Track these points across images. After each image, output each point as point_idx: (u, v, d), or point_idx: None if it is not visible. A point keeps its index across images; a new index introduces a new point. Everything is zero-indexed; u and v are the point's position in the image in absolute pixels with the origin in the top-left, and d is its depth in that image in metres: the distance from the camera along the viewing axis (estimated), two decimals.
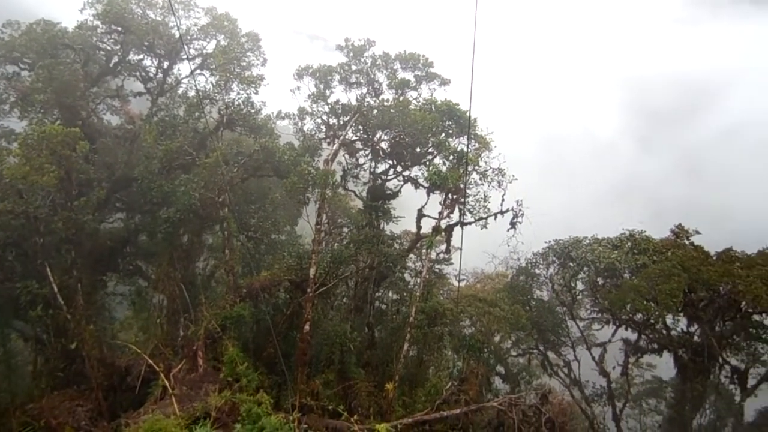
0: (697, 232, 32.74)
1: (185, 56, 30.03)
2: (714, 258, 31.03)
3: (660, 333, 31.74)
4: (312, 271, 25.53)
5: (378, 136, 30.71)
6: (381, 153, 30.81)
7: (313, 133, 30.05)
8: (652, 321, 30.68)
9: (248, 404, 19.09)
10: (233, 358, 21.10)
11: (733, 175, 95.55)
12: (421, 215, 29.94)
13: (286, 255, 28.04)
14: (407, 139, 29.69)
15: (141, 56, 30.09)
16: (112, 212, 29.72)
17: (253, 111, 28.01)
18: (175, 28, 29.47)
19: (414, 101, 30.31)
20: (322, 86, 30.14)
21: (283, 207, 30.92)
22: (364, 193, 31.07)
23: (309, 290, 25.33)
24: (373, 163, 31.20)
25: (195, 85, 29.02)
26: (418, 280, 28.59)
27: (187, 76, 30.49)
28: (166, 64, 30.22)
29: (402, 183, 31.10)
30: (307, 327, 24.63)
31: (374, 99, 30.35)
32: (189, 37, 29.86)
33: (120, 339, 26.58)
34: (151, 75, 30.32)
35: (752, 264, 29.87)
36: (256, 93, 28.35)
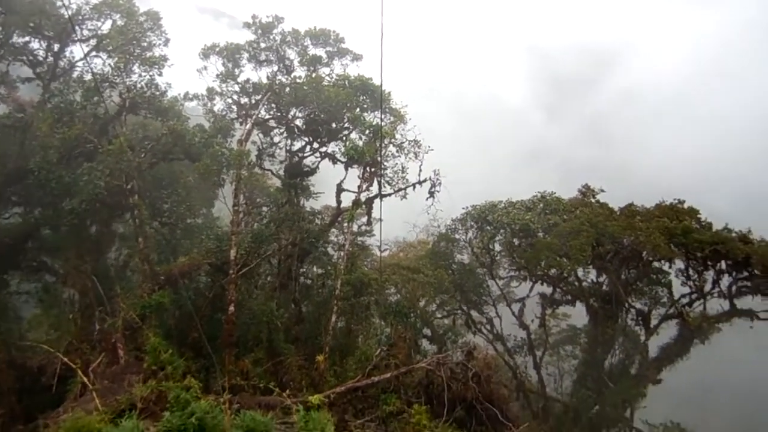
0: (602, 191, 34.99)
1: (77, 38, 28.29)
2: (618, 213, 33.28)
3: (572, 285, 33.85)
4: (233, 253, 25.21)
5: (292, 113, 30.42)
6: (296, 130, 30.57)
7: (224, 113, 29.33)
8: (565, 275, 32.59)
9: (176, 391, 18.64)
10: (156, 346, 20.55)
11: (634, 135, 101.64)
12: (340, 190, 30.10)
13: (204, 238, 27.48)
14: (322, 116, 29.61)
15: (27, 39, 28.07)
16: (8, 207, 27.88)
17: (157, 93, 26.93)
18: (64, 7, 27.64)
19: (327, 77, 30.18)
20: (230, 65, 29.39)
21: (198, 190, 30.12)
22: (281, 172, 30.83)
23: (231, 272, 25.03)
24: (288, 141, 30.94)
25: (91, 69, 27.40)
26: (342, 253, 28.91)
27: (81, 59, 28.78)
28: (56, 47, 28.35)
29: (319, 159, 31.08)
30: (231, 308, 24.40)
31: (286, 76, 29.95)
32: (80, 17, 27.99)
33: (29, 339, 25.18)
34: (41, 59, 28.35)
35: (651, 217, 32.33)
36: (160, 74, 27.25)
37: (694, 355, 32.16)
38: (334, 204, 31.07)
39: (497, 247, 33.21)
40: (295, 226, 28.48)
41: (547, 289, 34.15)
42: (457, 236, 33.25)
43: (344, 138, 29.64)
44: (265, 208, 31.66)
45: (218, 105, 29.37)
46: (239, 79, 29.23)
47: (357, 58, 30.70)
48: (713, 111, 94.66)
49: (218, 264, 26.12)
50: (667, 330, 32.46)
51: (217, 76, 29.02)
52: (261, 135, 30.55)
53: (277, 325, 25.53)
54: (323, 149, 30.52)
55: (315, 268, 31.33)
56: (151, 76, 26.77)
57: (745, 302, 31.33)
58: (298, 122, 30.47)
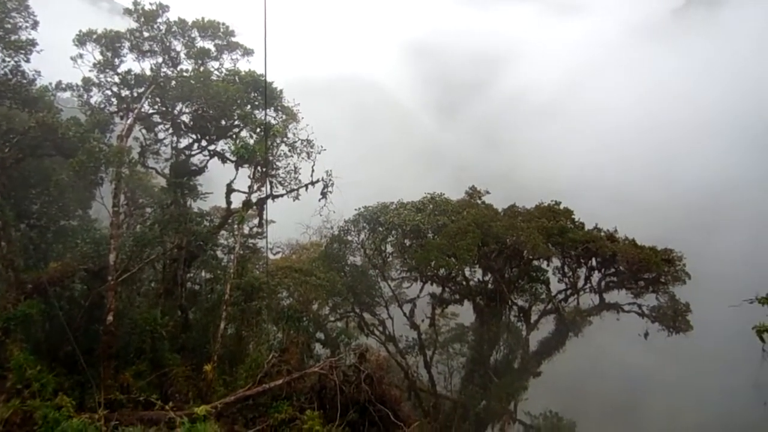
0: (487, 192, 36.64)
1: None
2: (502, 214, 35.01)
3: (460, 284, 35.17)
4: (112, 258, 23.45)
5: (178, 108, 28.88)
6: (183, 127, 29.09)
7: (103, 106, 27.23)
8: (453, 274, 33.75)
9: (44, 410, 17.14)
10: (21, 362, 18.70)
11: (519, 137, 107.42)
12: (230, 190, 29.08)
13: (79, 242, 25.27)
14: (211, 112, 28.37)
15: None
16: None
17: (24, 81, 24.39)
18: None
19: (216, 72, 29.01)
20: (109, 54, 27.28)
21: (73, 189, 27.64)
22: (167, 170, 29.19)
23: (110, 278, 23.27)
24: (174, 138, 29.33)
25: None
26: (232, 256, 27.96)
27: None
28: None
29: (208, 158, 29.82)
30: (110, 318, 22.69)
31: (172, 69, 28.37)
32: None
33: None
34: None
35: (531, 217, 34.29)
36: (27, 60, 24.63)
37: (569, 347, 34.65)
38: (223, 205, 29.99)
39: (389, 249, 33.69)
40: (182, 228, 27.08)
41: (437, 289, 35.22)
42: (349, 238, 33.33)
43: (234, 136, 28.68)
44: (148, 209, 29.89)
45: (96, 97, 27.17)
46: (120, 70, 27.23)
47: (248, 53, 29.78)
48: (587, 115, 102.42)
49: (95, 270, 24.19)
50: (545, 325, 34.72)
51: (95, 65, 26.88)
52: (144, 131, 28.71)
53: (162, 334, 24.11)
54: (212, 147, 29.32)
55: (203, 273, 30.06)
56: (16, 62, 24.19)
57: (612, 296, 34.26)
58: (185, 118, 29.02)
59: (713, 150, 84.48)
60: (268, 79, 29.96)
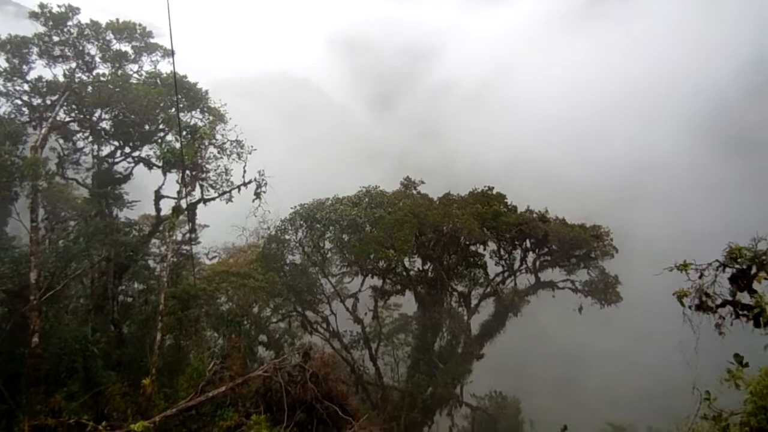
0: (422, 182, 36.98)
1: None
2: (437, 202, 35.47)
3: (401, 275, 35.43)
4: (33, 276, 22.20)
5: (97, 115, 27.78)
6: (103, 134, 28.01)
7: (13, 116, 25.85)
8: (393, 266, 33.91)
9: None
10: None
11: (451, 127, 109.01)
12: (159, 197, 28.25)
13: None
14: (132, 117, 27.46)
15: None
16: None
17: None
18: None
19: (135, 75, 28.07)
20: (16, 61, 25.91)
21: None
22: (89, 180, 27.99)
23: (32, 298, 22.08)
24: (95, 146, 28.22)
25: None
26: (165, 265, 27.09)
27: None
28: None
29: (133, 165, 28.89)
30: (35, 339, 21.48)
31: (87, 74, 27.23)
32: None
33: None
34: None
35: (466, 204, 34.82)
36: None
37: (510, 327, 35.60)
38: (152, 212, 29.06)
39: (327, 245, 33.53)
40: (109, 239, 26.03)
41: (378, 282, 35.37)
42: (287, 237, 32.93)
43: (159, 140, 27.80)
44: (72, 222, 28.41)
45: (4, 107, 25.83)
46: (29, 77, 25.93)
47: (169, 54, 28.90)
48: (514, 102, 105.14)
49: (16, 290, 22.86)
50: (485, 308, 35.47)
51: (1, 73, 25.46)
52: (61, 140, 27.46)
53: (94, 352, 23.07)
54: (136, 153, 28.40)
55: (135, 284, 28.99)
56: None
57: (547, 275, 35.41)
58: (105, 125, 27.96)
59: (633, 129, 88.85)
60: (192, 80, 29.47)
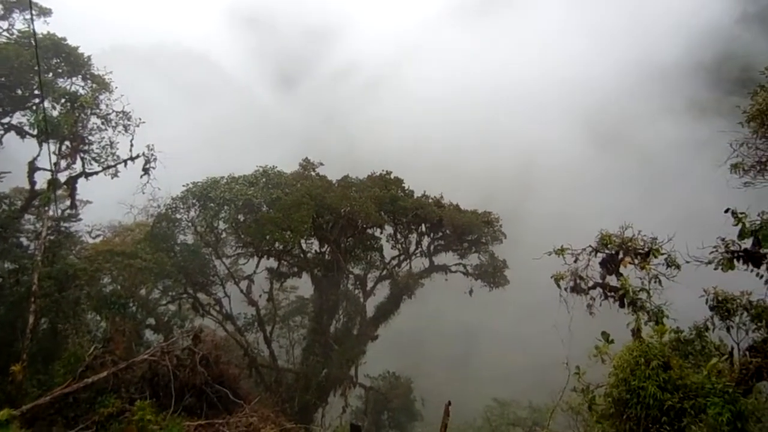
0: (321, 164, 36.78)
1: None
2: (336, 185, 35.44)
3: (298, 257, 35.20)
4: None
5: None
6: None
7: None
8: (289, 247, 33.54)
9: None
10: None
11: (353, 111, 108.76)
12: (33, 168, 26.12)
13: None
14: (2, 79, 25.04)
15: None
16: None
17: None
18: None
19: (6, 34, 25.60)
20: None
21: None
22: None
23: None
24: None
25: None
26: (39, 242, 25.07)
27: None
28: None
29: (2, 132, 26.44)
30: None
31: None
32: None
33: None
34: None
35: (364, 187, 35.08)
36: None
37: (404, 310, 36.49)
38: (26, 186, 26.79)
39: (222, 225, 32.47)
40: None
41: (274, 264, 34.89)
42: (178, 215, 31.45)
43: (33, 107, 25.61)
44: None
45: None
46: None
47: (45, 12, 26.63)
48: (415, 88, 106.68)
49: None
50: (381, 290, 36.13)
51: None
52: None
53: None
54: (6, 120, 25.97)
55: (5, 264, 26.56)
56: None
57: (441, 258, 36.63)
58: None
59: (526, 119, 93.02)
60: (73, 44, 27.30)
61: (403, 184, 35.92)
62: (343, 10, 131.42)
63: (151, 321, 30.71)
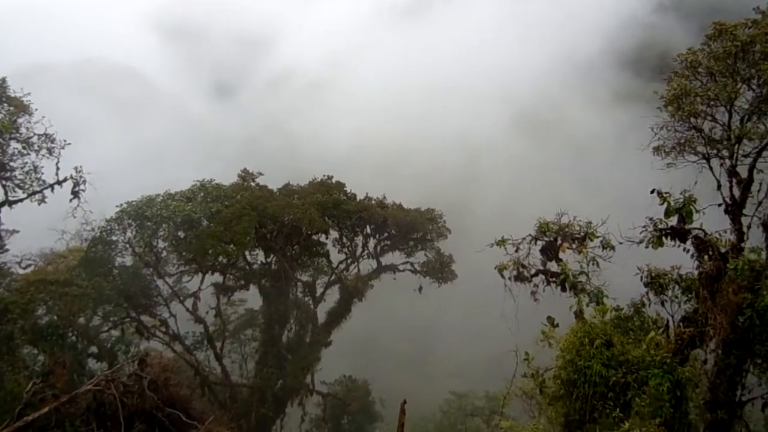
0: (261, 174, 36.25)
1: None
2: (277, 193, 35.04)
3: (243, 269, 34.66)
4: None
5: None
6: None
7: None
8: (233, 260, 32.92)
9: None
10: None
11: (293, 118, 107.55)
12: None
13: None
14: None
15: None
16: None
17: None
18: None
19: None
20: None
21: None
22: None
23: None
24: None
25: None
26: None
27: None
28: None
29: None
30: None
31: None
32: None
33: None
34: None
35: (306, 194, 34.90)
36: None
37: (356, 313, 36.48)
38: None
39: (161, 244, 31.49)
40: None
41: (219, 278, 34.17)
42: (114, 238, 30.29)
43: None
44: None
45: None
46: None
47: None
48: (354, 93, 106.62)
49: None
50: (331, 295, 36.05)
51: None
52: None
53: None
54: None
55: None
56: None
57: (388, 258, 36.87)
58: None
59: (467, 112, 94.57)
60: None
61: (344, 188, 35.96)
62: (276, 16, 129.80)
63: (94, 349, 29.41)
